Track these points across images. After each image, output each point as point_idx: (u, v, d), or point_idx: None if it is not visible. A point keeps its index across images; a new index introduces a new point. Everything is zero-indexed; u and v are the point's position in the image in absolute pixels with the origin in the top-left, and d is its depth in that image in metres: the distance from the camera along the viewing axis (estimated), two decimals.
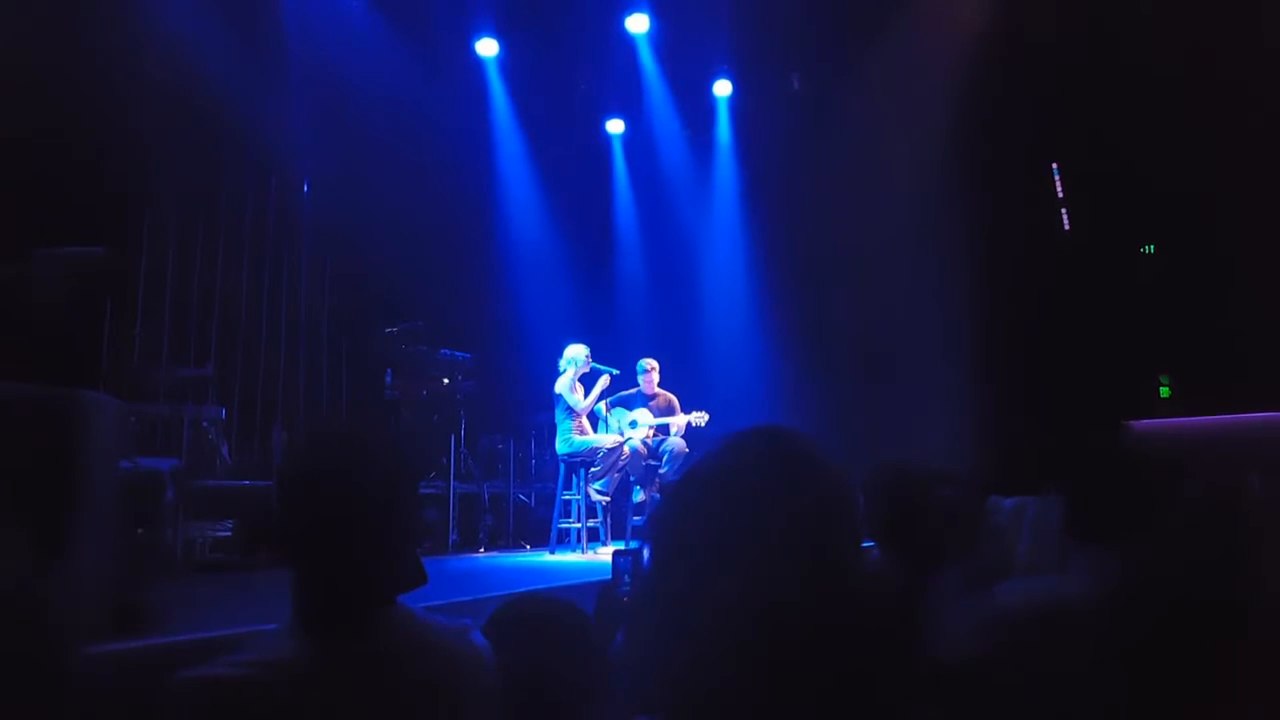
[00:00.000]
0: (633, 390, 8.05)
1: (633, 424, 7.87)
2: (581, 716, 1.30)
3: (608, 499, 7.57)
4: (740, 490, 1.11)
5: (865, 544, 3.04)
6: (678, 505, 1.17)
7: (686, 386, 8.30)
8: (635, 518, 7.81)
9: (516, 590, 4.71)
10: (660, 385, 8.04)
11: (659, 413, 7.89)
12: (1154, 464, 2.11)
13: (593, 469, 7.50)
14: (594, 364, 7.63)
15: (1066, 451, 2.24)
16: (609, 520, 7.68)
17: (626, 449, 7.52)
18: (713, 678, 1.04)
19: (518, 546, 8.33)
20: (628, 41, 9.87)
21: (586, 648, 1.76)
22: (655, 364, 8.02)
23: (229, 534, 6.32)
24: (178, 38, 7.00)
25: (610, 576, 3.03)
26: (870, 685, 1.05)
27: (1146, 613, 0.85)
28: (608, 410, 7.97)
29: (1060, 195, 9.98)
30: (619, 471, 7.55)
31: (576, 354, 7.57)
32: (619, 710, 1.21)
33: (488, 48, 9.75)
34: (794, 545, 1.06)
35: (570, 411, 7.51)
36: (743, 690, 1.02)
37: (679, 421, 7.74)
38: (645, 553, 1.18)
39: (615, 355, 8.03)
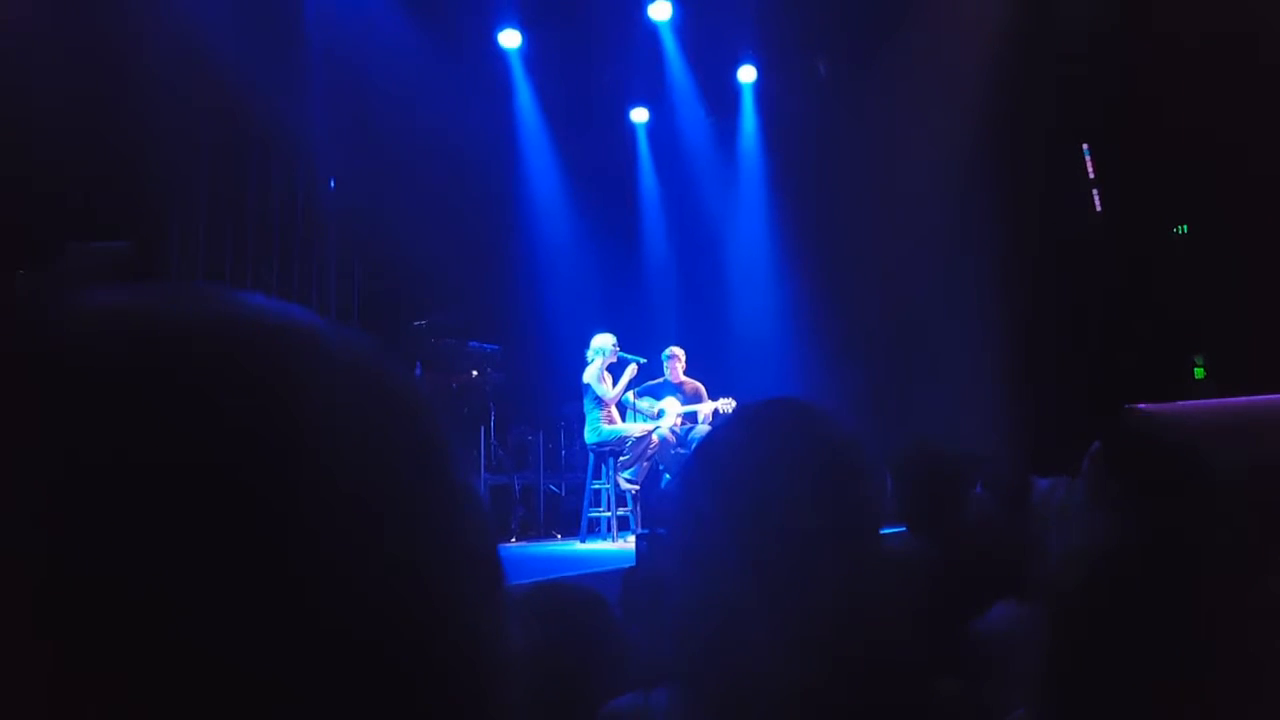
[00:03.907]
0: (660, 379, 8.03)
1: (660, 413, 7.85)
2: (601, 697, 1.29)
3: (637, 487, 7.56)
4: (754, 461, 1.10)
5: (897, 528, 3.01)
6: (693, 478, 1.16)
7: (714, 373, 8.27)
8: None
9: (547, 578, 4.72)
10: (687, 373, 8.01)
11: (687, 400, 7.86)
12: (1179, 446, 2.07)
13: (621, 458, 7.49)
14: (621, 353, 7.61)
15: (1098, 432, 2.20)
16: (639, 509, 7.66)
17: (655, 437, 7.50)
18: (729, 649, 1.03)
19: (549, 536, 8.34)
20: (651, 29, 9.82)
21: (605, 631, 1.75)
22: (681, 351, 7.99)
23: None
24: (202, 36, 7.04)
25: (635, 561, 3.02)
26: (891, 656, 1.04)
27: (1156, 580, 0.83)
28: (635, 399, 7.95)
29: (1091, 176, 9.86)
30: (648, 460, 7.53)
31: (604, 343, 7.55)
32: (639, 682, 1.20)
33: (510, 39, 9.73)
34: (809, 514, 1.05)
35: (599, 401, 7.49)
36: (760, 661, 1.01)
37: (706, 409, 7.71)
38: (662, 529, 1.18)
39: (642, 344, 8.00)
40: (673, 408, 7.85)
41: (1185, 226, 9.49)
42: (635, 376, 7.64)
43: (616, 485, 7.52)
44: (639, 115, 10.81)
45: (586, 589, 1.87)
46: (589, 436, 7.57)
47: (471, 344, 8.82)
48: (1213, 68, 7.94)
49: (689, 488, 1.16)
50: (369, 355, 0.42)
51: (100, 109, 6.33)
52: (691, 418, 7.76)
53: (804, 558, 1.04)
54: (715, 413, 7.66)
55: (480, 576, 0.41)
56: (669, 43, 9.93)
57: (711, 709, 1.06)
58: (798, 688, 1.02)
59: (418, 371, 8.53)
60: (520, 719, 0.42)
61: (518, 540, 7.98)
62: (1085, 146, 9.84)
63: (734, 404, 7.66)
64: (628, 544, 7.09)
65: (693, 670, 1.07)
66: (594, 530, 7.71)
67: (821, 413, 1.14)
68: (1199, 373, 9.21)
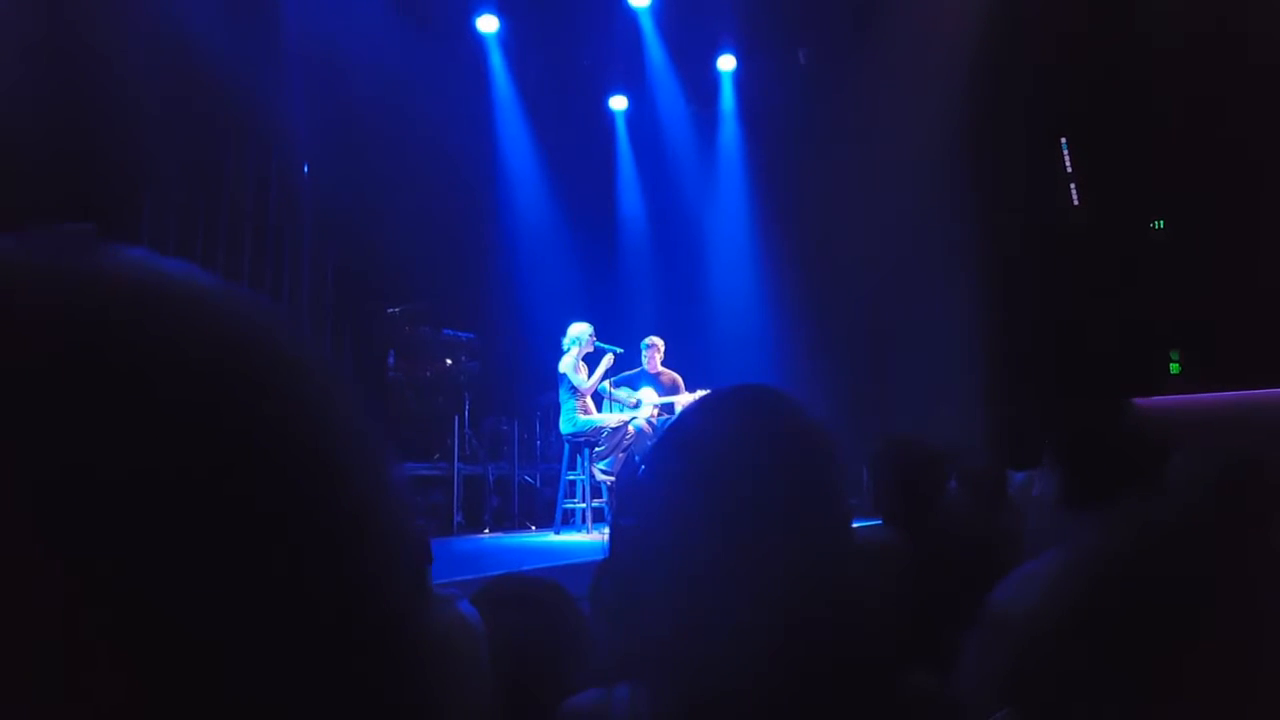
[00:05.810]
0: (637, 369, 7.97)
1: (638, 403, 7.80)
2: (564, 687, 1.25)
3: (612, 478, 7.50)
4: (718, 447, 1.05)
5: (873, 521, 2.99)
6: (658, 465, 1.12)
7: (692, 364, 8.23)
8: None
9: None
10: (665, 363, 7.96)
11: (664, 391, 7.81)
12: (1146, 440, 2.05)
13: (597, 448, 7.44)
14: (598, 343, 7.55)
15: (1063, 425, 2.19)
16: (614, 500, 7.62)
17: (631, 428, 7.45)
18: (692, 640, 0.99)
19: (523, 527, 8.29)
20: (630, 16, 9.76)
21: (567, 623, 1.71)
22: (659, 341, 7.94)
23: None
24: (176, 18, 6.94)
25: (607, 553, 2.97)
26: (861, 649, 1.00)
27: (1124, 584, 0.80)
28: (612, 389, 7.88)
29: (1069, 170, 9.87)
30: (624, 451, 7.48)
31: (580, 332, 7.48)
32: (600, 678, 1.16)
33: (488, 24, 9.65)
34: (774, 500, 1.01)
35: (574, 391, 7.43)
36: (723, 653, 0.97)
37: (684, 400, 7.65)
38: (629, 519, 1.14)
39: (620, 334, 7.95)
40: (650, 398, 7.79)
41: (1162, 221, 9.52)
42: (612, 366, 7.58)
43: (592, 476, 7.47)
44: (618, 103, 10.75)
45: (547, 580, 1.83)
46: (564, 426, 7.51)
47: (446, 332, 8.75)
48: (1192, 64, 7.96)
49: (654, 475, 1.12)
50: (247, 313, 0.36)
51: (74, 91, 6.22)
52: (669, 409, 7.70)
53: (768, 544, 1.01)
54: None
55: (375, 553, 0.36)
56: (648, 29, 9.87)
57: (674, 704, 1.02)
58: (762, 681, 0.98)
59: (391, 359, 8.46)
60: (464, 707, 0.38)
61: (491, 531, 7.93)
62: (1063, 140, 9.86)
63: None
64: (602, 535, 7.05)
65: (656, 663, 1.03)
66: (569, 522, 7.67)
67: (787, 399, 1.10)
68: (1175, 367, 9.25)
